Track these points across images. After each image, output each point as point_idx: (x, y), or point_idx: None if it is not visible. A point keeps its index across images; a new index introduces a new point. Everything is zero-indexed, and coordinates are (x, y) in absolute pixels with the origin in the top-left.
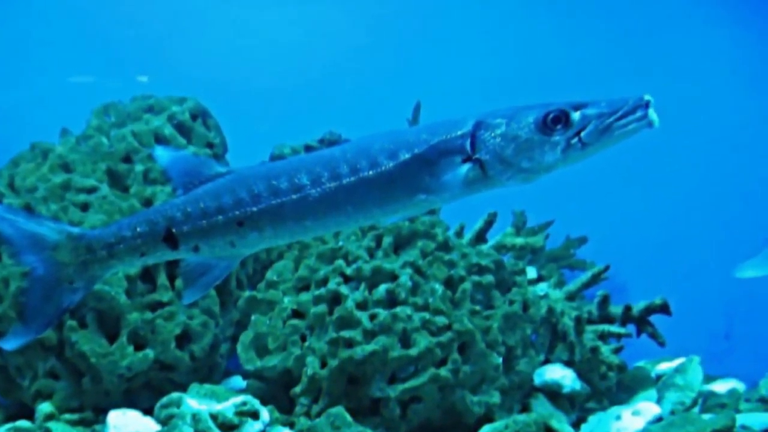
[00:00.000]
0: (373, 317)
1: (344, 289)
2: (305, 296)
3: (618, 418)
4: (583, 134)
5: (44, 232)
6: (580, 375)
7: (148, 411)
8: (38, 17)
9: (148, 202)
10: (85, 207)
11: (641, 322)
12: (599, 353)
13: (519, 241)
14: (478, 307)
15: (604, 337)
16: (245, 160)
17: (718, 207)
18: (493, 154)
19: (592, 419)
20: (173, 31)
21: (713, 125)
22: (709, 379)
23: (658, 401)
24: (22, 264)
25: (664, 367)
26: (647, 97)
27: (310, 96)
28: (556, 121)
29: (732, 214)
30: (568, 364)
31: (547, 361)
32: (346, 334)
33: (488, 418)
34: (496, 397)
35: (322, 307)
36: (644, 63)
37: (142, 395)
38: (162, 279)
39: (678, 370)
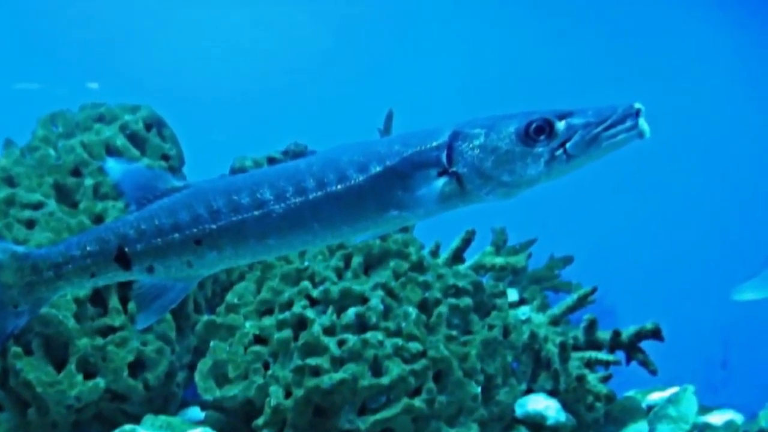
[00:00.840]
0: (341, 343)
1: (310, 313)
2: (268, 321)
3: None
4: (568, 145)
5: None
6: (565, 406)
7: None
8: None
9: (98, 219)
10: (30, 224)
11: (631, 349)
12: (586, 382)
13: (499, 260)
14: (454, 333)
15: (591, 364)
16: (203, 173)
17: (714, 223)
18: (471, 167)
19: None
20: (126, 33)
21: (709, 135)
22: (704, 410)
23: None
24: None
25: (656, 397)
26: (638, 106)
27: (274, 104)
28: (539, 131)
29: (730, 231)
30: (552, 393)
31: (529, 391)
32: (312, 361)
33: None
34: (474, 430)
35: (287, 333)
36: (635, 68)
37: (93, 427)
38: (114, 302)
39: (671, 400)
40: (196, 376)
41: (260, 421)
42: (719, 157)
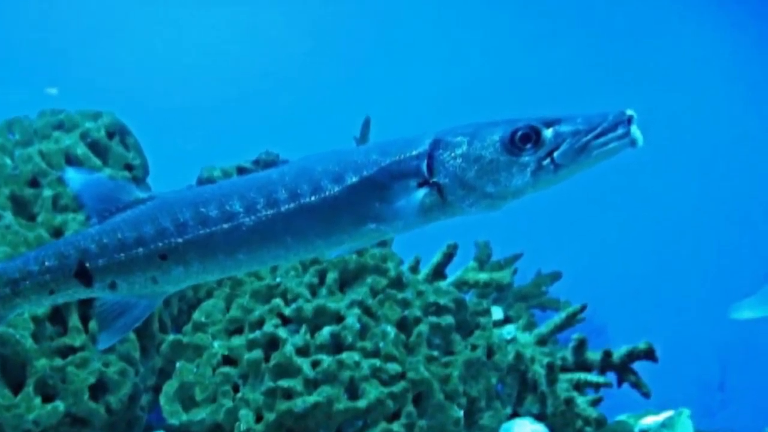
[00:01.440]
0: (315, 364)
1: (282, 332)
2: (238, 340)
3: None
4: (556, 154)
5: None
6: (553, 430)
7: None
8: None
9: (57, 233)
10: None
11: (623, 370)
12: (575, 405)
13: (483, 276)
14: (435, 353)
15: (580, 386)
16: (169, 184)
17: (711, 237)
18: (453, 177)
19: None
20: (87, 34)
21: (706, 144)
22: None
23: None
24: None
25: (649, 421)
26: (630, 112)
27: (244, 110)
28: (525, 139)
29: (727, 245)
30: (539, 417)
31: (515, 415)
32: (284, 383)
33: None
34: None
35: (257, 353)
36: (626, 73)
37: None
38: (74, 320)
39: (665, 424)
40: (162, 399)
41: None
42: (717, 167)
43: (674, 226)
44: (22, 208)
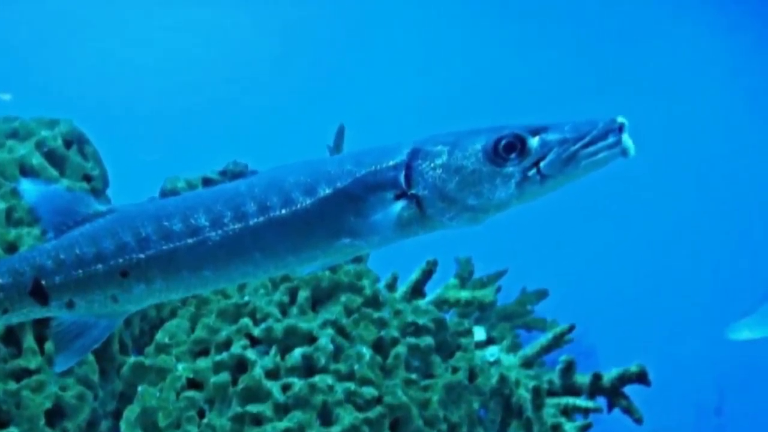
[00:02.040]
0: (286, 388)
1: (251, 354)
2: (203, 362)
3: None
4: (542, 165)
5: None
6: None
7: None
8: None
9: (11, 248)
10: None
11: (613, 394)
12: None
13: (464, 295)
14: (414, 376)
15: (568, 412)
16: (130, 196)
17: (708, 254)
18: (433, 189)
19: None
20: (42, 38)
21: (702, 155)
22: None
23: None
24: None
25: None
26: (620, 120)
27: (210, 118)
28: (509, 148)
29: (725, 262)
30: None
31: None
32: (253, 408)
33: None
34: None
35: (225, 376)
36: (617, 78)
37: None
38: (29, 341)
39: None
40: (122, 425)
41: None
42: (714, 179)
43: (669, 241)
44: None
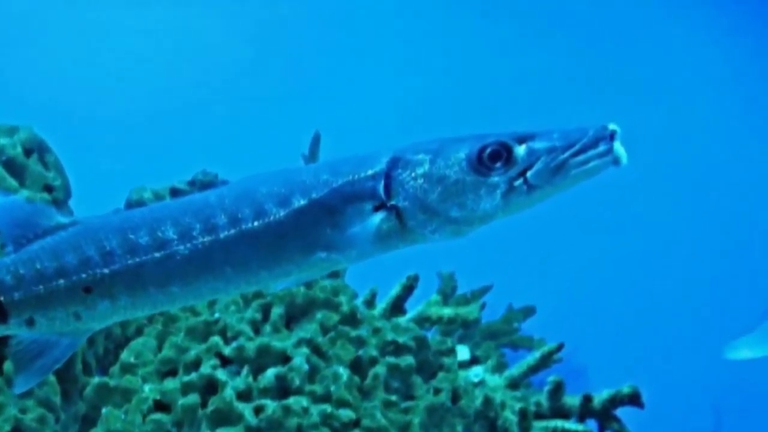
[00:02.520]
0: (258, 410)
1: (222, 374)
2: (171, 383)
3: None
4: (529, 174)
5: None
6: None
7: None
8: None
9: None
10: None
11: (605, 417)
12: None
13: (447, 312)
14: (394, 398)
15: None
16: (94, 207)
17: (704, 268)
18: (414, 200)
19: None
20: None
21: (698, 162)
22: None
23: None
24: None
25: None
26: (612, 127)
27: (178, 125)
28: (494, 157)
29: (722, 277)
30: None
31: None
32: (224, 431)
33: None
34: None
35: (194, 398)
36: (609, 82)
37: None
38: None
39: None
40: None
41: None
42: (709, 189)
43: (663, 254)
44: None
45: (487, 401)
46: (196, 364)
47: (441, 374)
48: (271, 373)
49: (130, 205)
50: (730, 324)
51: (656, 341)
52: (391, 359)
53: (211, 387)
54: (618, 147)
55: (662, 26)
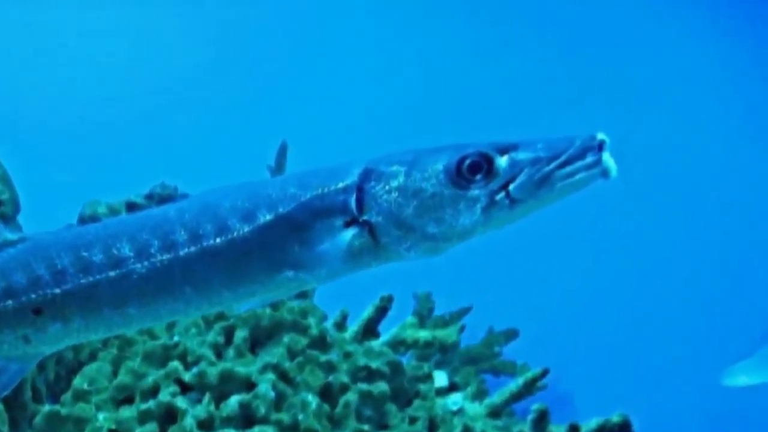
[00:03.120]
0: None
1: (181, 402)
2: (127, 411)
3: None
4: (511, 187)
5: None
6: None
7: None
8: None
9: None
10: None
11: None
12: None
13: (423, 335)
14: (366, 427)
15: None
16: (44, 222)
17: (699, 287)
18: (388, 215)
19: None
20: None
21: (691, 175)
22: None
23: None
24: None
25: None
26: (601, 137)
27: (134, 134)
28: (474, 168)
29: (719, 298)
30: None
31: None
32: None
33: None
34: None
35: (151, 427)
36: (597, 89)
37: None
38: None
39: None
40: None
41: None
42: (705, 203)
43: (655, 274)
44: None
45: (467, 430)
46: (153, 391)
47: (417, 402)
48: (234, 400)
49: (84, 220)
50: (727, 348)
51: (648, 366)
52: (363, 386)
53: (170, 416)
54: (607, 158)
55: (654, 28)
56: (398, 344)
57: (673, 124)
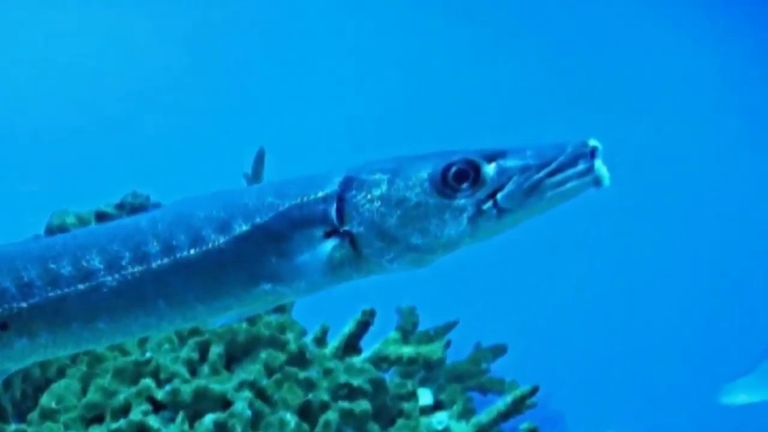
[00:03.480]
0: None
1: (154, 422)
2: (98, 431)
3: None
4: (499, 197)
5: None
6: None
7: None
8: None
9: None
10: None
11: None
12: None
13: (407, 350)
14: None
15: None
16: (9, 233)
17: (696, 301)
18: (370, 226)
19: None
20: None
21: (688, 183)
22: None
23: None
24: None
25: None
26: (593, 143)
27: (104, 141)
28: (460, 176)
29: (717, 312)
30: None
31: None
32: None
33: None
34: None
35: None
36: (590, 93)
37: None
38: None
39: None
40: None
41: None
42: (702, 212)
43: (650, 287)
44: None
45: None
46: (125, 410)
47: (400, 421)
48: (209, 419)
49: (51, 230)
50: (725, 365)
51: (643, 383)
52: (344, 404)
53: None
54: (599, 166)
55: (648, 28)
56: (381, 360)
57: (669, 129)
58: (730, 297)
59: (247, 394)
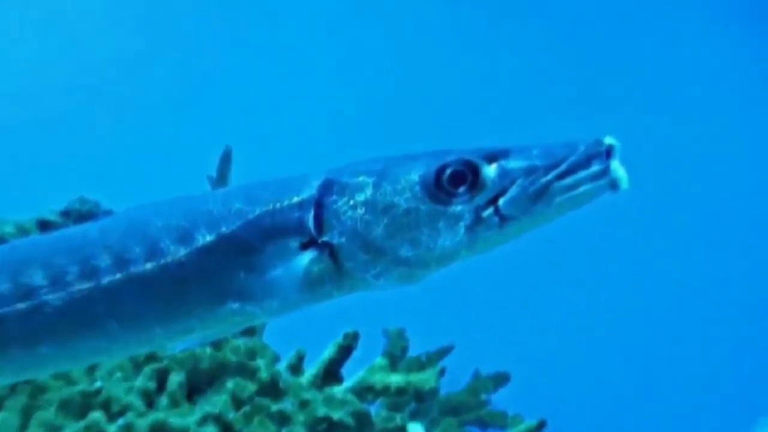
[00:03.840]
0: None
1: None
2: None
3: None
4: (501, 202)
5: None
6: None
7: None
8: None
9: None
10: None
11: None
12: None
13: (396, 379)
14: None
15: None
16: None
17: (723, 325)
18: (353, 236)
19: None
20: None
21: (709, 185)
22: None
23: None
24: None
25: None
26: (609, 141)
27: (47, 138)
28: (457, 179)
29: (746, 338)
30: None
31: None
32: None
33: None
34: None
35: None
36: (604, 86)
37: None
38: None
39: None
40: None
41: None
42: (730, 222)
43: (670, 308)
44: None
45: None
46: None
47: None
48: None
49: None
50: (759, 396)
51: (663, 417)
52: None
53: None
54: (616, 167)
55: (669, 18)
56: (365, 391)
57: (694, 125)
58: (760, 322)
59: (212, 429)
